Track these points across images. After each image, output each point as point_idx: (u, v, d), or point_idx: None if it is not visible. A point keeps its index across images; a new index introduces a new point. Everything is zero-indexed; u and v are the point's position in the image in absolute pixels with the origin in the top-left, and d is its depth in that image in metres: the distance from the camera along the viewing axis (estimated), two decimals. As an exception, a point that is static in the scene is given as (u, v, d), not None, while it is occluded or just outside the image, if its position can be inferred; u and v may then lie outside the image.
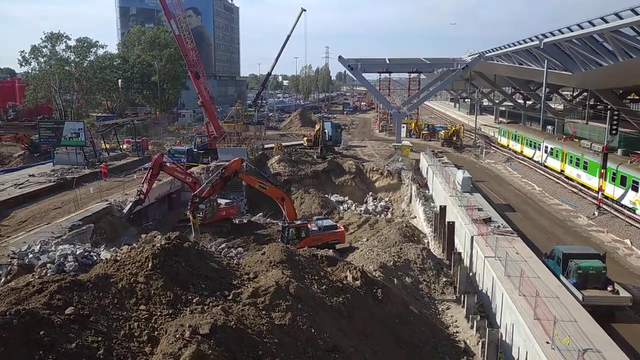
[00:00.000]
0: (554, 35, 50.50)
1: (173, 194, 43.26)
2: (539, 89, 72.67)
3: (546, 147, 50.42)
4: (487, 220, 28.99)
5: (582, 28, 44.22)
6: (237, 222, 39.98)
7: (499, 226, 28.44)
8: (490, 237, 25.78)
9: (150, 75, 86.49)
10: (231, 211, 39.29)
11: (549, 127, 68.62)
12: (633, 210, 32.86)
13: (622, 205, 34.42)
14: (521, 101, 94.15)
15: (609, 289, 21.56)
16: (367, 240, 34.50)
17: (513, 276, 20.68)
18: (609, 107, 45.05)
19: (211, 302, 14.12)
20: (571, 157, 43.78)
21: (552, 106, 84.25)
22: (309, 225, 34.04)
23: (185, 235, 19.72)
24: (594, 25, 41.76)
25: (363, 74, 73.57)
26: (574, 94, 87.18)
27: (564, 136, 51.35)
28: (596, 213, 35.83)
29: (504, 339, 19.27)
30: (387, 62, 76.35)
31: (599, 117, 58.26)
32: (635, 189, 32.72)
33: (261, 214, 43.32)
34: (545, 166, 50.34)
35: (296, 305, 14.71)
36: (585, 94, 69.95)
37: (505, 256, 22.34)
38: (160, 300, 13.93)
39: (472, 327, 20.57)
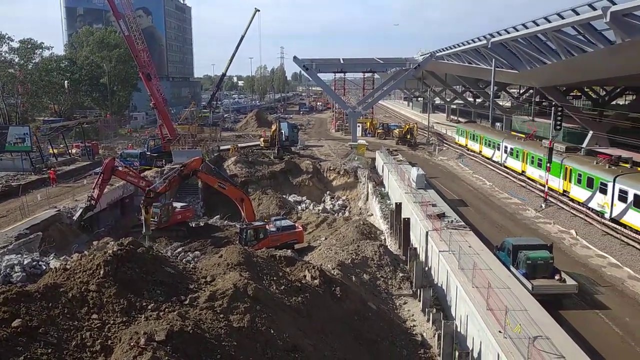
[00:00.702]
0: (500, 35, 52.32)
1: (126, 198, 42.10)
2: (487, 87, 75.12)
3: (506, 147, 48.56)
4: (441, 216, 29.75)
5: (526, 28, 46.01)
6: (193, 225, 39.33)
7: (452, 221, 29.24)
8: (444, 231, 26.48)
9: (100, 77, 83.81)
10: (187, 214, 38.63)
11: (498, 124, 71.15)
12: (601, 213, 31.28)
13: (589, 209, 32.90)
14: (471, 99, 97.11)
15: (557, 277, 22.57)
16: (326, 239, 34.70)
17: (466, 269, 21.32)
18: (553, 103, 46.89)
19: (167, 308, 13.89)
20: (532, 157, 41.93)
21: (501, 103, 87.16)
22: (267, 226, 33.91)
23: (139, 240, 19.29)
24: (537, 25, 43.53)
25: (318, 74, 73.95)
26: (521, 92, 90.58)
27: (524, 135, 49.70)
28: (543, 205, 37.40)
29: (459, 330, 19.83)
30: (342, 62, 76.98)
31: (545, 113, 60.76)
32: (603, 192, 30.99)
33: (218, 216, 42.82)
34: (506, 167, 48.40)
35: (254, 307, 14.66)
36: (531, 91, 72.77)
37: (459, 250, 23.01)
38: (114, 308, 13.59)
39: (428, 320, 21.07)
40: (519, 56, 52.29)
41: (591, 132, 48.57)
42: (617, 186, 29.49)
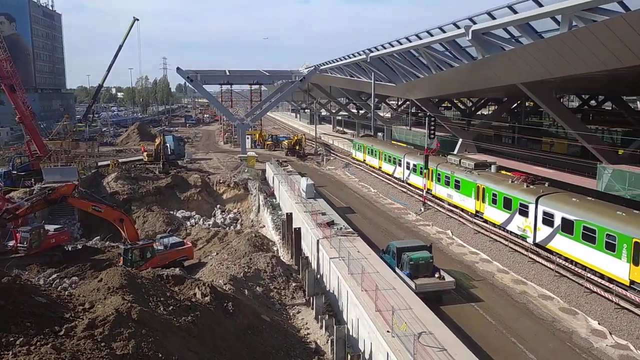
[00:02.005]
0: (378, 50, 55.33)
1: (-12, 223, 37.59)
2: (369, 99, 78.92)
3: (408, 163, 45.20)
4: (331, 224, 30.54)
5: (401, 44, 49.17)
6: (69, 248, 36.33)
7: (341, 228, 30.15)
8: (334, 239, 27.22)
9: (-48, 89, 74.39)
10: (62, 237, 35.51)
11: (380, 134, 75.00)
12: (523, 237, 28.56)
13: (508, 232, 30.09)
14: (355, 110, 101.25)
15: (437, 275, 24.26)
16: (217, 254, 33.97)
17: (356, 273, 22.09)
18: (427, 114, 50.46)
19: (39, 341, 12.58)
20: (439, 174, 38.96)
21: (381, 114, 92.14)
22: (154, 245, 32.36)
23: (5, 269, 17.37)
24: (410, 41, 46.74)
25: (204, 86, 72.54)
26: (399, 103, 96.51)
27: (430, 150, 43.80)
28: (423, 209, 40.04)
29: (350, 333, 20.46)
30: (228, 73, 76.25)
31: (420, 123, 65.17)
32: (523, 214, 28.31)
33: (98, 237, 39.96)
34: (409, 184, 44.99)
35: (140, 331, 13.82)
36: (408, 102, 77.76)
37: (348, 255, 23.79)
38: (-27, 348, 12.01)
39: (321, 327, 21.44)
40: (396, 70, 55.69)
41: (461, 139, 52.97)
42: (541, 208, 26.85)
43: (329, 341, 19.74)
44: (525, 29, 31.28)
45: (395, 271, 24.07)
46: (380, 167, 53.31)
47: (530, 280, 26.20)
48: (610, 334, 20.67)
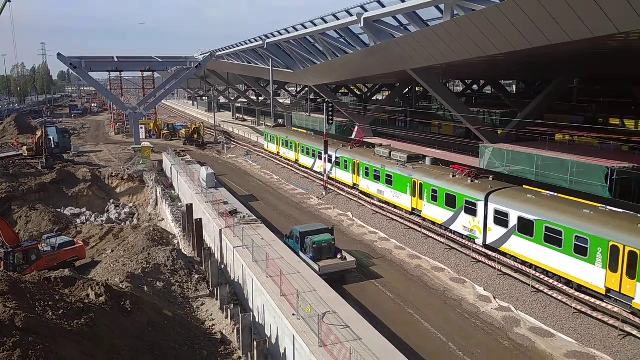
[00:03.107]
0: (274, 36, 55.08)
1: None
2: (268, 85, 78.43)
3: (330, 156, 41.67)
4: (233, 213, 30.20)
5: (296, 30, 49.34)
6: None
7: (244, 216, 29.91)
8: (237, 227, 26.95)
9: None
10: None
11: (280, 120, 75.16)
12: (472, 238, 25.80)
13: (452, 232, 27.34)
14: (254, 97, 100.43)
15: (339, 257, 25.06)
16: (112, 251, 32.25)
17: (260, 260, 22.11)
18: (325, 100, 51.21)
19: None
20: (367, 168, 35.87)
21: (281, 101, 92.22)
22: (39, 246, 29.86)
23: None
24: (306, 28, 47.06)
25: (90, 73, 67.59)
26: (298, 90, 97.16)
27: (353, 142, 42.65)
28: (324, 193, 40.92)
29: (257, 320, 20.51)
30: (116, 60, 71.67)
31: (319, 109, 66.21)
32: (470, 212, 25.64)
33: (-27, 242, 36.00)
34: (332, 179, 41.67)
35: (26, 339, 12.75)
36: (307, 89, 78.53)
37: (252, 243, 23.71)
38: None
39: (227, 317, 21.23)
40: (293, 57, 55.85)
41: (357, 124, 54.70)
42: (492, 206, 24.28)
43: (235, 330, 19.63)
44: (413, 17, 32.78)
45: (299, 255, 24.45)
46: (297, 160, 50.26)
47: (424, 255, 27.92)
48: (495, 298, 22.72)
